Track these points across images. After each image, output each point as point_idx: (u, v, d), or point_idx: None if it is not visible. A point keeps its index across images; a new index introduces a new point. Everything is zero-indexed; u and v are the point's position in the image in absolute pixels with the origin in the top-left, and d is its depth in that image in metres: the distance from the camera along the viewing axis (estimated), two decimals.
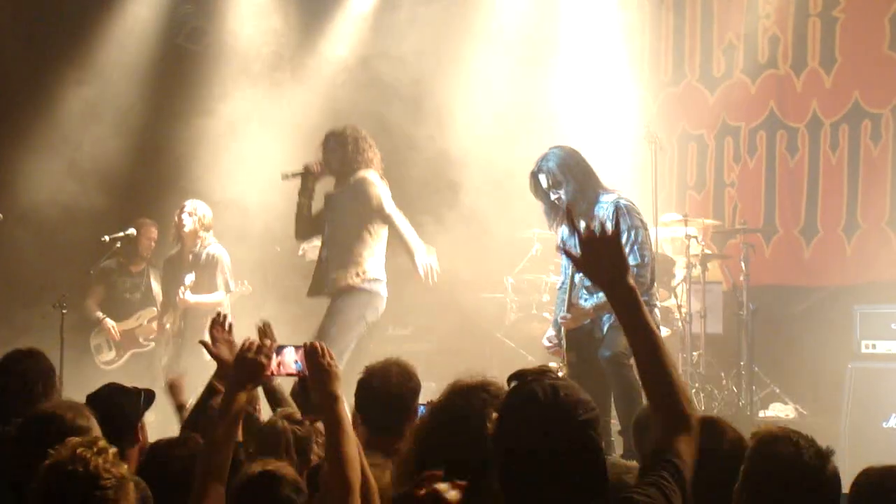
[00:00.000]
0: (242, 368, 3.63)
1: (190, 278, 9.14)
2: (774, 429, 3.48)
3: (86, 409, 3.48)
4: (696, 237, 9.34)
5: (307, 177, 8.39)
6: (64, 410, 3.45)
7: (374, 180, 8.22)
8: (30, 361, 4.66)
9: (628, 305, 2.90)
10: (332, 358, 3.72)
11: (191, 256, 9.35)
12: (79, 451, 3.02)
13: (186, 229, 9.31)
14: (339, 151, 8.30)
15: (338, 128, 8.45)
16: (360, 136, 8.35)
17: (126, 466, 3.09)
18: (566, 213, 3.02)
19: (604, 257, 2.90)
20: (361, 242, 8.18)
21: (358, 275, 8.11)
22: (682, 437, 2.85)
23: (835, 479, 3.34)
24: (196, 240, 9.33)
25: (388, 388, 4.35)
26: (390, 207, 8.21)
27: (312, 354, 3.67)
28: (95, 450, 3.03)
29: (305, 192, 8.42)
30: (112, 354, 9.60)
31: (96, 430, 3.46)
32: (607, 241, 2.91)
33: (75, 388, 4.51)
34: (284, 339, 3.98)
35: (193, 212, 9.30)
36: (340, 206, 8.30)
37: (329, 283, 8.20)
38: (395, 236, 8.25)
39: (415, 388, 4.45)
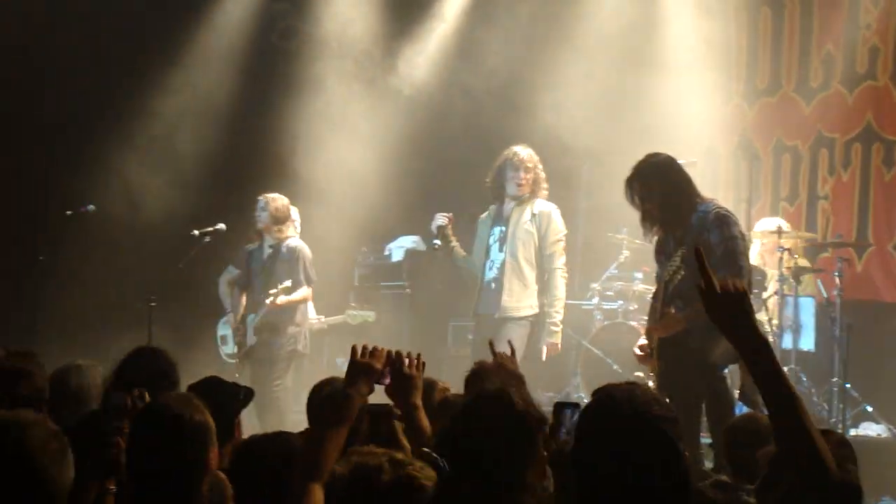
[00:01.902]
0: (353, 371, 3.63)
1: (287, 283, 9.08)
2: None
3: (200, 403, 3.46)
4: (789, 249, 9.16)
5: (445, 233, 8.84)
6: (181, 406, 3.43)
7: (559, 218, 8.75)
8: (151, 359, 4.63)
9: (754, 354, 2.83)
10: (417, 369, 3.71)
11: (271, 250, 9.34)
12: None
13: (260, 225, 9.31)
14: (530, 173, 8.66)
15: (522, 149, 8.74)
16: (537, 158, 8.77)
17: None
18: (696, 256, 2.95)
19: (729, 309, 2.85)
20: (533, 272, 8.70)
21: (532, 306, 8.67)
22: (815, 496, 2.78)
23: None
24: (273, 233, 9.30)
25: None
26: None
27: (396, 364, 3.65)
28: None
29: (449, 246, 8.84)
30: (235, 349, 9.49)
31: (213, 427, 3.44)
32: (733, 294, 2.85)
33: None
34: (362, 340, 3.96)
35: (266, 206, 9.25)
36: (518, 226, 8.67)
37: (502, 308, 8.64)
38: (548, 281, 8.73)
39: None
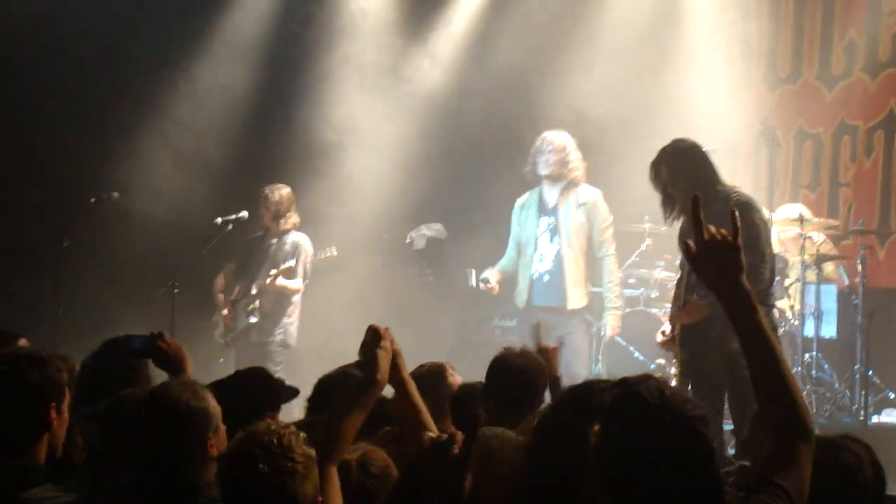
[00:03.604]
0: (373, 355, 3.62)
1: (290, 262, 9.19)
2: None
3: (201, 389, 3.46)
4: (811, 237, 9.14)
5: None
6: (178, 392, 3.43)
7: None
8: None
9: (741, 308, 2.76)
10: (395, 345, 3.65)
11: (274, 241, 9.41)
12: (273, 426, 3.12)
13: (264, 219, 9.41)
14: (556, 154, 8.75)
15: (550, 133, 8.84)
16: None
17: (314, 450, 3.12)
18: (693, 205, 2.91)
19: (719, 262, 2.78)
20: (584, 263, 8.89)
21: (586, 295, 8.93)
22: (800, 447, 2.69)
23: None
24: (276, 225, 9.37)
25: (518, 363, 4.66)
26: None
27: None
28: (291, 430, 3.12)
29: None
30: (222, 331, 9.63)
31: (216, 411, 3.45)
32: (727, 248, 2.78)
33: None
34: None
35: (267, 200, 9.32)
36: (569, 217, 8.78)
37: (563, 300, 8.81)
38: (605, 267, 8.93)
39: (543, 370, 4.73)
